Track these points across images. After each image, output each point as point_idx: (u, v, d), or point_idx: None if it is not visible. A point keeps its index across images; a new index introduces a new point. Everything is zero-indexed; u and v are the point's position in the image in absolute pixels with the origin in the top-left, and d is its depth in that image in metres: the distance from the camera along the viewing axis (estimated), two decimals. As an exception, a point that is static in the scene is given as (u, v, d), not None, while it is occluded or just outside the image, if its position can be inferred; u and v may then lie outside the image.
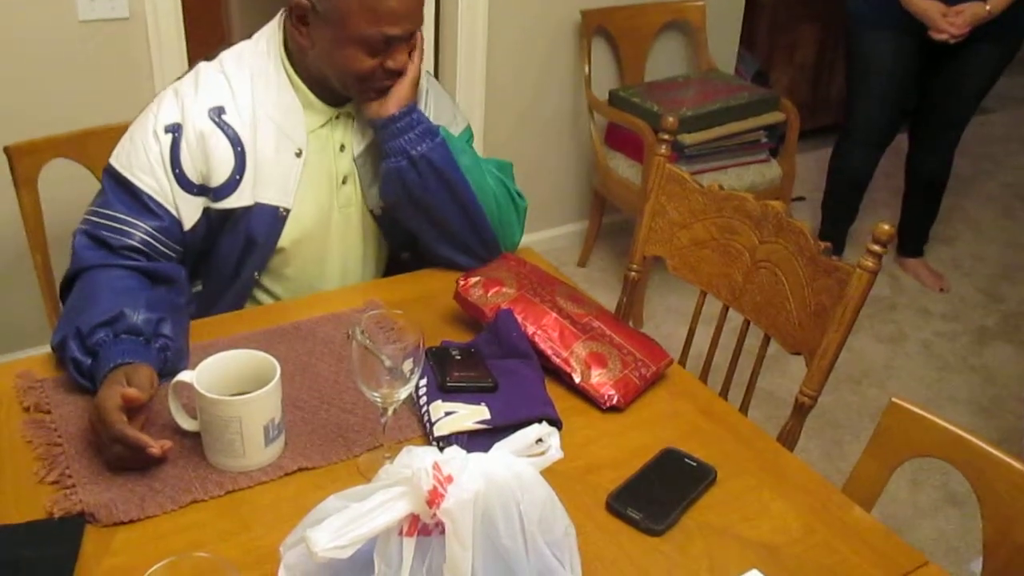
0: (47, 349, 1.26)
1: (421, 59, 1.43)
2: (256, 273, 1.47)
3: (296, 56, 1.41)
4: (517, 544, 0.87)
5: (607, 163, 3.06)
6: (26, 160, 1.70)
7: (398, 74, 1.39)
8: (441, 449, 0.90)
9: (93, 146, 1.73)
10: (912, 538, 2.15)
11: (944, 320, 3.03)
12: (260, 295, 1.53)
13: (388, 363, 1.06)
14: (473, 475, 0.86)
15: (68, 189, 1.75)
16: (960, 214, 3.72)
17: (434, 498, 0.84)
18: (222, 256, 1.43)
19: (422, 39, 1.42)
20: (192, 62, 1.44)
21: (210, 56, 1.43)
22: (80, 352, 1.18)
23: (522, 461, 0.92)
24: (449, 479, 0.85)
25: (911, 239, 3.30)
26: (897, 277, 3.26)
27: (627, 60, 3.18)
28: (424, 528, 0.87)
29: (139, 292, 1.26)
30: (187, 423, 1.13)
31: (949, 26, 2.71)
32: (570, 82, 3.12)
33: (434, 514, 0.84)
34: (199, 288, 1.48)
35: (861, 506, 1.13)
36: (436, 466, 0.85)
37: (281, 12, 1.44)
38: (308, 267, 1.52)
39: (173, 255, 1.37)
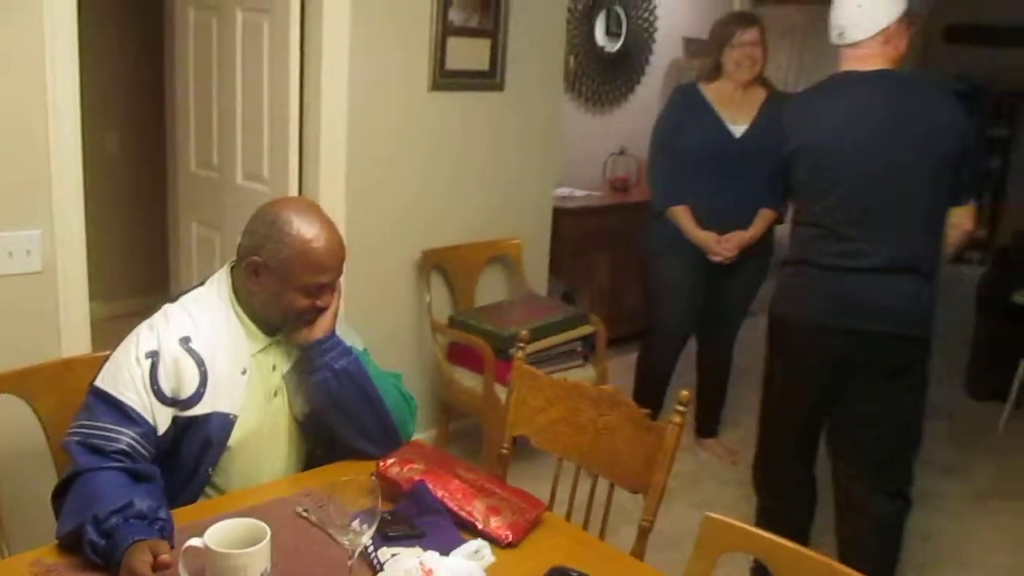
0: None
1: (339, 297, 1.89)
2: (210, 469, 1.82)
3: (242, 297, 1.84)
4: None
5: (451, 376, 3.55)
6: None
7: (324, 310, 1.85)
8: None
9: (32, 382, 2.04)
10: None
11: (740, 486, 3.63)
12: (208, 489, 1.86)
13: (341, 522, 1.46)
14: (445, 570, 1.27)
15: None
16: (743, 400, 4.43)
17: (422, 584, 1.24)
18: (184, 455, 1.78)
19: (340, 283, 1.89)
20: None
21: (173, 299, 1.84)
22: (96, 535, 1.49)
23: (472, 562, 1.33)
24: (430, 572, 1.25)
25: (707, 422, 3.96)
26: (698, 454, 3.87)
27: (460, 289, 3.75)
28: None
29: (136, 486, 1.59)
30: (195, 582, 1.45)
31: (723, 250, 3.48)
32: (414, 310, 3.64)
33: (421, 597, 1.24)
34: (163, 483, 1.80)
35: (695, 593, 1.59)
36: (421, 564, 1.25)
37: (228, 264, 1.88)
38: (248, 463, 1.87)
39: (148, 456, 1.71)
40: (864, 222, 2.50)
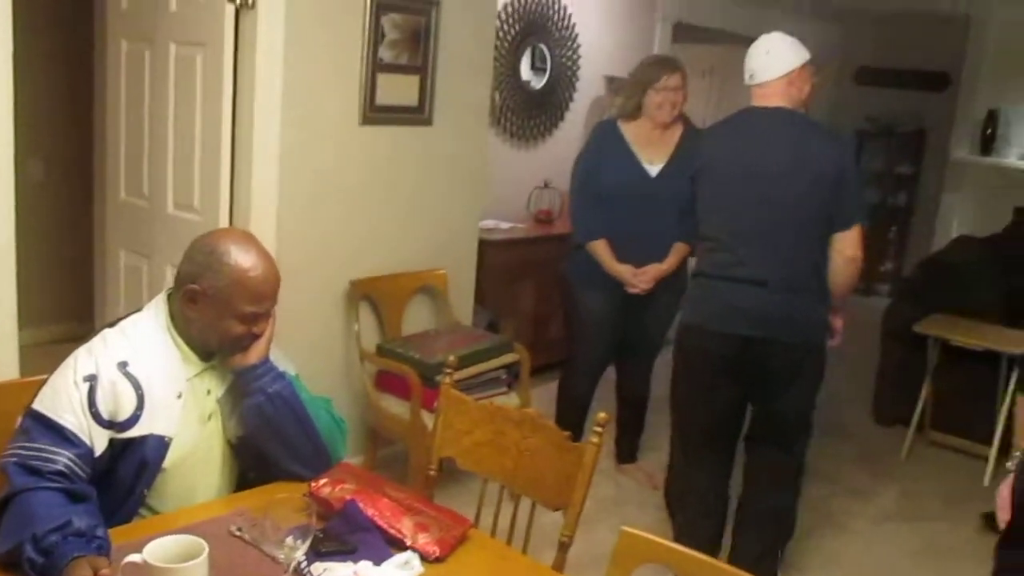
0: None
1: (273, 324, 1.96)
2: (145, 490, 1.86)
3: (179, 323, 1.90)
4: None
5: (379, 403, 3.62)
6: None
7: (259, 336, 1.92)
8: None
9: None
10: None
11: (660, 509, 3.76)
12: (143, 510, 1.91)
13: (276, 537, 1.53)
14: (376, 578, 1.35)
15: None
16: (661, 427, 4.56)
17: (356, 592, 1.32)
18: (120, 476, 1.82)
19: (275, 311, 1.96)
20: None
21: (112, 324, 1.89)
22: (34, 552, 1.53)
23: (402, 572, 1.42)
24: (363, 580, 1.33)
25: (626, 448, 4.09)
26: (618, 480, 4.00)
27: (387, 318, 3.83)
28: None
29: (73, 506, 1.64)
30: (133, 597, 1.50)
31: (639, 282, 3.64)
32: (343, 338, 3.71)
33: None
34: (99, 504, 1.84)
35: (611, 602, 1.70)
36: (355, 574, 1.33)
37: (166, 290, 1.94)
38: (182, 485, 1.93)
39: (85, 477, 1.75)
40: (750, 238, 2.84)
